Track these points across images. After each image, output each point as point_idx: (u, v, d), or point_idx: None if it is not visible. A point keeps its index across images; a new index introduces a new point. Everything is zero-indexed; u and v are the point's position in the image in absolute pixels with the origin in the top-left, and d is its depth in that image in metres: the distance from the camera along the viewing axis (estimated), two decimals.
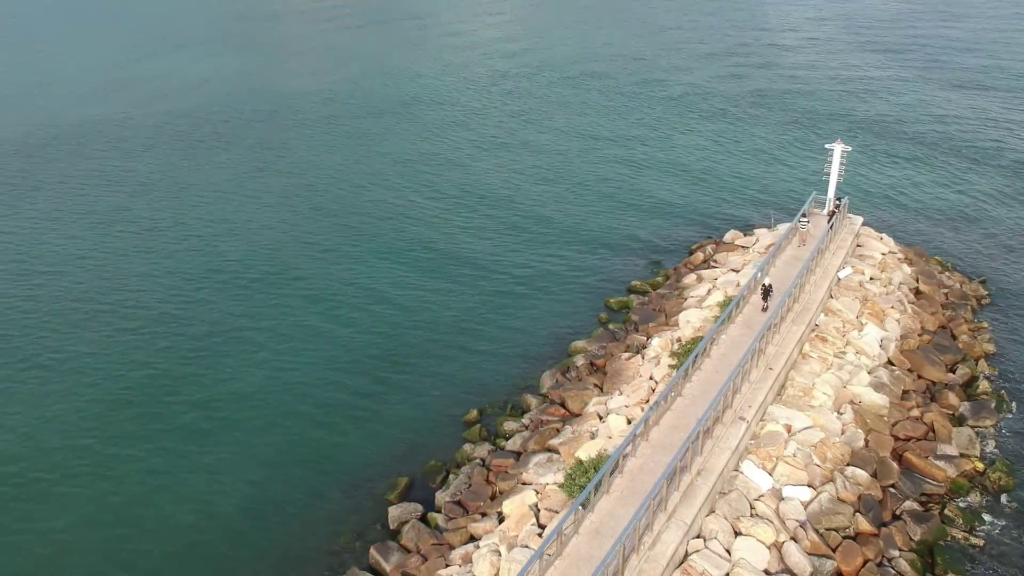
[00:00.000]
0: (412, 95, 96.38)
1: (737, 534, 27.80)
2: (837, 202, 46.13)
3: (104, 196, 65.69)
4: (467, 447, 35.82)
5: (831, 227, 43.86)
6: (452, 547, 29.29)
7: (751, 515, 28.64)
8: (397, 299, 48.70)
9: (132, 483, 34.33)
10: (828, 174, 46.38)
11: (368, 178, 68.92)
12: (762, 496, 29.53)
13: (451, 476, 34.16)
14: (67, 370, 42.08)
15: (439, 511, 32.04)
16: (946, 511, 32.17)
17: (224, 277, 51.63)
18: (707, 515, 27.95)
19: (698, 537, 27.23)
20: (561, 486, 28.53)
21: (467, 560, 27.56)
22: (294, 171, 71.07)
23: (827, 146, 46.51)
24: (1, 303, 48.80)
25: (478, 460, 34.75)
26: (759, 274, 40.21)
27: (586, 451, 30.75)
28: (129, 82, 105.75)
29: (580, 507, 25.64)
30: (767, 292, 38.31)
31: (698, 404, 31.09)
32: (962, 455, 34.57)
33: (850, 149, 46.18)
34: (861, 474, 31.83)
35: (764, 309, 38.45)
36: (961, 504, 32.72)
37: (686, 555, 26.50)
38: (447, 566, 27.85)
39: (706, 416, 28.84)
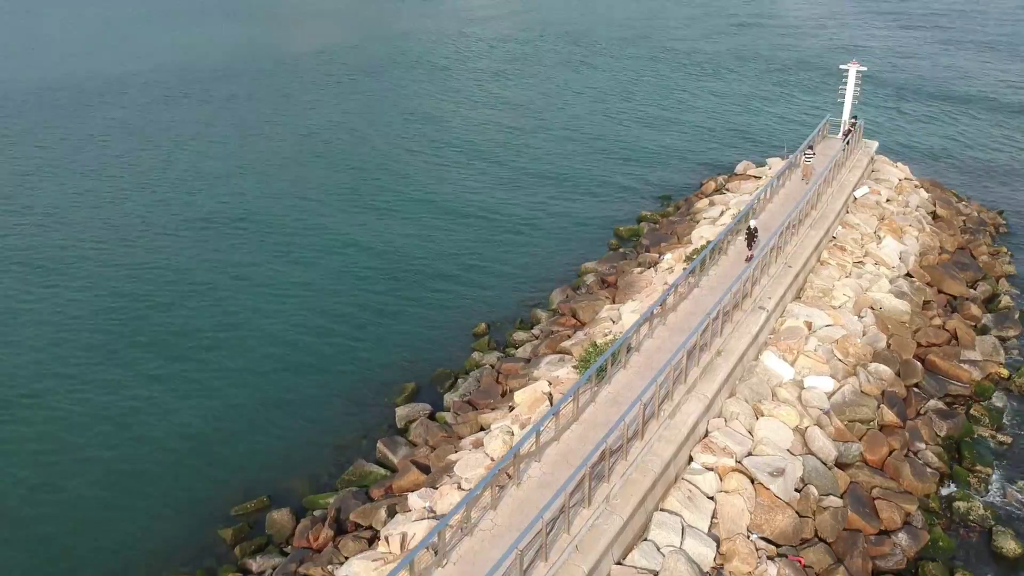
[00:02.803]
0: (417, 56, 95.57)
1: (759, 416, 26.73)
2: (853, 121, 44.95)
3: (108, 145, 64.90)
4: (476, 355, 34.74)
5: (847, 143, 42.68)
6: (461, 437, 28.22)
7: (773, 400, 27.57)
8: (410, 227, 47.96)
9: (140, 387, 33.47)
10: (843, 95, 45.22)
11: (382, 129, 67.84)
12: (783, 384, 28.46)
13: (459, 380, 33.11)
14: (76, 298, 41.36)
15: (447, 411, 30.99)
16: (972, 411, 31.11)
17: (240, 209, 51.09)
18: (728, 398, 26.87)
19: (719, 417, 26.16)
20: (576, 368, 27.45)
21: (478, 445, 26.44)
22: (307, 122, 70.11)
23: (842, 67, 45.39)
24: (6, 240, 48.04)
25: (487, 366, 33.68)
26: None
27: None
28: (130, 46, 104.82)
29: (597, 378, 24.61)
30: (752, 236, 32.87)
31: (715, 294, 29.97)
32: (986, 360, 33.49)
33: (865, 69, 45.02)
34: (885, 370, 30.73)
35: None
36: (987, 406, 31.60)
37: (706, 433, 25.44)
38: (457, 451, 26.77)
39: (724, 297, 27.78)
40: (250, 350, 36.01)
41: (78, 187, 55.64)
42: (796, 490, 24.85)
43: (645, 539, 21.48)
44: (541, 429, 21.44)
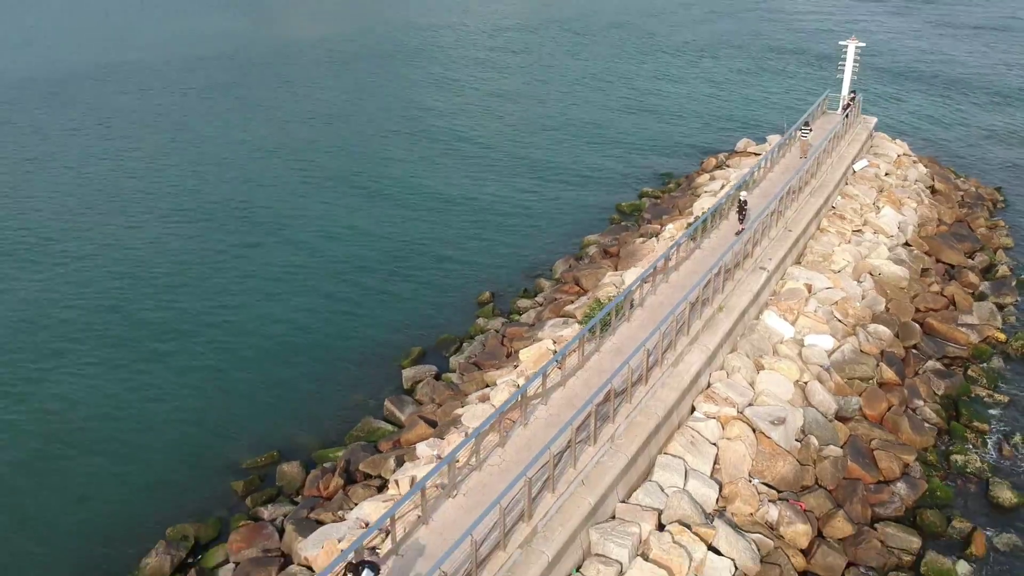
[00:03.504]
0: (419, 46, 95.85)
1: (760, 370, 27.21)
2: (852, 95, 45.45)
3: (109, 131, 65.25)
4: (480, 321, 35.19)
5: (846, 116, 43.16)
6: (467, 394, 28.67)
7: (774, 355, 28.06)
8: (416, 209, 48.23)
9: (156, 358, 33.84)
10: (842, 71, 45.70)
11: (386, 117, 67.83)
12: (784, 341, 28.95)
13: (465, 345, 33.58)
14: (86, 280, 41.82)
15: (453, 372, 31.43)
16: (969, 372, 31.59)
17: (245, 193, 51.24)
18: (729, 352, 27.35)
19: (721, 370, 26.65)
20: (580, 322, 27.94)
21: (484, 399, 26.92)
22: (311, 109, 70.27)
23: (841, 43, 45.88)
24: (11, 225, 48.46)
25: (492, 330, 34.13)
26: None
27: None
28: (129, 35, 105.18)
29: (601, 330, 25.10)
30: (743, 209, 32.89)
31: (716, 254, 30.44)
32: (983, 324, 33.95)
33: (864, 45, 45.51)
34: (884, 330, 31.23)
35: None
36: (984, 367, 32.06)
37: (708, 384, 25.93)
38: (463, 406, 27.23)
39: (726, 255, 28.27)
40: (263, 324, 36.30)
41: (79, 173, 55.83)
42: (797, 440, 25.35)
43: (649, 480, 21.97)
44: (547, 372, 21.93)
